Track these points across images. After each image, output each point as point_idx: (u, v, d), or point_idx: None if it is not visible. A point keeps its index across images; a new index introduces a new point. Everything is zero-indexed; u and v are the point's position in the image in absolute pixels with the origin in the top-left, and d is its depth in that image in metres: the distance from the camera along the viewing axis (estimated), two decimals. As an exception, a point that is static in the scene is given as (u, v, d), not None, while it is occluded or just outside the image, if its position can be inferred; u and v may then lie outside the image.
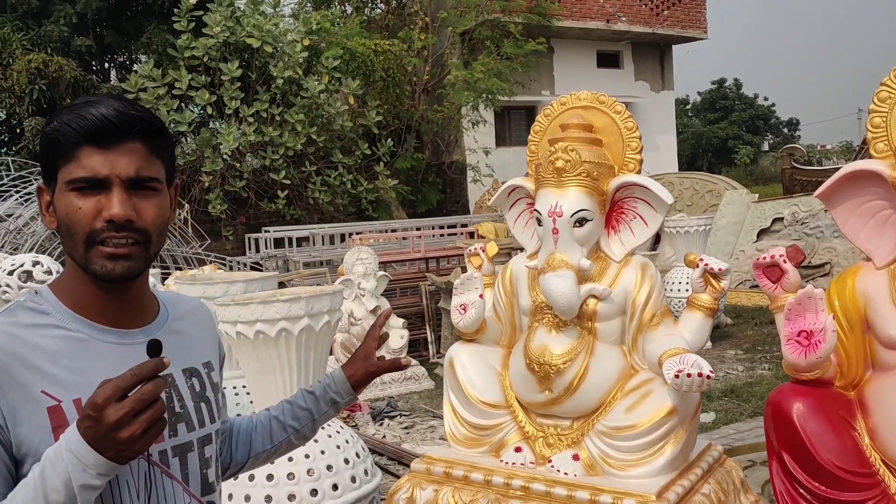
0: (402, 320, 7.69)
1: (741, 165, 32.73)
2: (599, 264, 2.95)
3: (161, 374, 1.09)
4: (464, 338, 3.15)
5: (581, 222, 2.86)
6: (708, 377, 2.46)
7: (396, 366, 1.64)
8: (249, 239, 12.40)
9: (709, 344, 8.29)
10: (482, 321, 3.04)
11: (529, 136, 3.23)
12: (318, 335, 3.18)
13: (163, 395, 1.10)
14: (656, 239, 12.16)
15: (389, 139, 15.10)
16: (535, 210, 2.95)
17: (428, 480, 2.97)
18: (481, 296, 2.98)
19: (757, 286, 11.84)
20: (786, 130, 40.73)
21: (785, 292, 2.52)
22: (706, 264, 2.85)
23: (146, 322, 1.33)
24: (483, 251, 3.45)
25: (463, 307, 3.02)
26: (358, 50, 15.04)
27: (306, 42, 13.91)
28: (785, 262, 2.53)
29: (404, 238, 11.54)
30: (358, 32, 15.76)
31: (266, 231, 11.95)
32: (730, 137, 36.50)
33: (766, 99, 40.06)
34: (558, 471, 2.78)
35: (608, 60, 20.41)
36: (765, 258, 2.57)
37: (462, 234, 11.99)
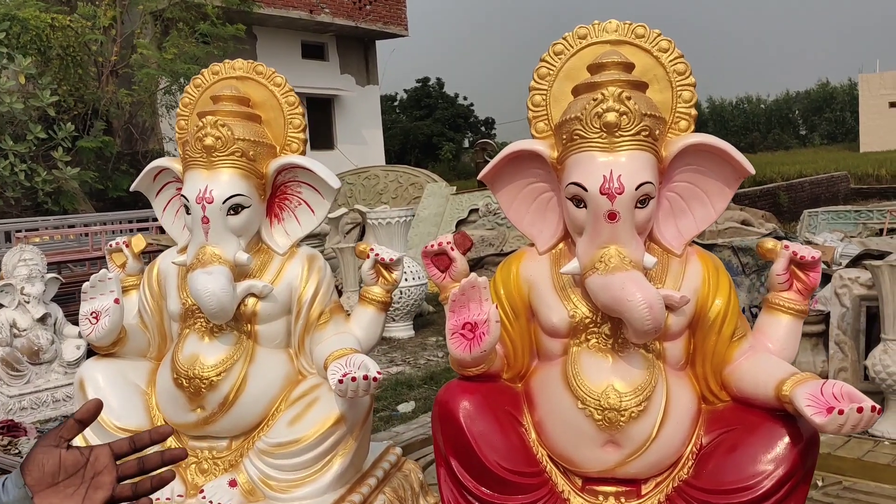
0: (78, 328, 6.70)
1: (445, 161, 34.39)
2: (261, 258, 2.58)
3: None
4: (99, 352, 2.60)
5: (236, 209, 2.46)
6: (374, 379, 2.21)
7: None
8: None
9: (411, 332, 8.39)
10: (121, 330, 2.52)
11: (178, 110, 2.76)
12: None
13: None
14: (362, 231, 12.15)
15: (70, 123, 13.37)
16: (181, 195, 2.50)
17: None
18: (117, 300, 2.45)
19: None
20: (483, 129, 43.53)
21: (454, 281, 2.36)
22: (377, 254, 2.61)
23: None
24: (127, 246, 2.91)
25: (94, 315, 2.47)
26: (31, 23, 13.12)
27: (-37, 12, 11.80)
28: (452, 249, 2.36)
29: (84, 235, 10.26)
30: (33, 4, 13.76)
31: None
32: (434, 134, 38.14)
33: (465, 98, 42.35)
34: (210, 501, 2.37)
35: (313, 52, 20.18)
36: (432, 246, 2.38)
37: (154, 229, 10.95)
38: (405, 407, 5.79)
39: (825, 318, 4.86)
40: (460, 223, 12.82)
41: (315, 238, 9.40)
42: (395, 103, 43.30)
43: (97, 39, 14.73)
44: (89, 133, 14.52)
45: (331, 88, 19.91)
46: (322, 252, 9.52)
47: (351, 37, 20.78)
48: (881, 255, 5.15)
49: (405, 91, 43.22)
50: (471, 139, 41.16)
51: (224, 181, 2.45)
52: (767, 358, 2.10)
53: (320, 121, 19.90)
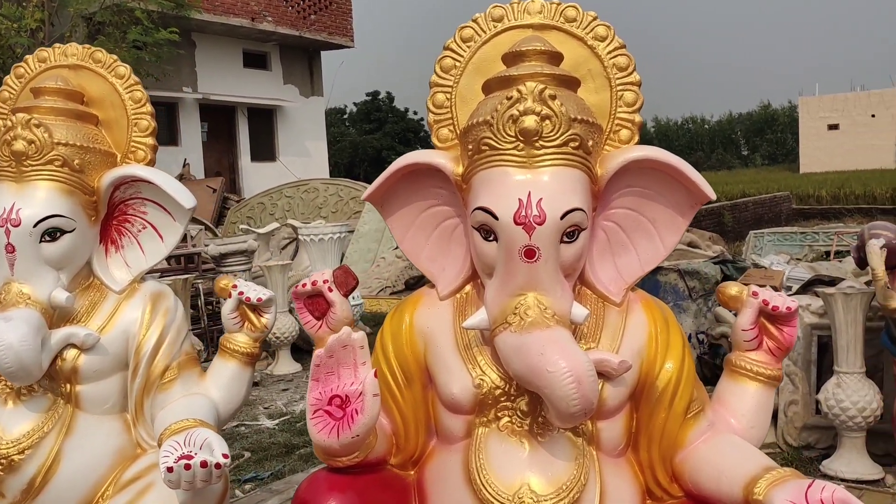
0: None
1: (394, 175, 34.03)
2: (90, 296, 2.01)
3: None
4: None
5: (53, 234, 1.90)
6: (218, 466, 1.66)
7: None
8: None
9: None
10: None
11: (-6, 107, 2.17)
12: None
13: None
14: (296, 248, 11.48)
15: (-12, 130, 12.50)
16: (-16, 216, 1.92)
17: None
18: None
19: (399, 292, 11.51)
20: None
21: (332, 331, 1.81)
22: (241, 293, 2.06)
23: None
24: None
25: None
26: (-49, 25, 12.25)
27: None
28: (330, 290, 1.82)
29: None
30: (-43, 5, 12.88)
31: None
32: (384, 148, 37.78)
33: (415, 113, 42.14)
34: None
35: (255, 61, 19.51)
36: (305, 285, 1.84)
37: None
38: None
39: (774, 347, 4.48)
40: (402, 240, 12.28)
41: (242, 255, 8.74)
42: (345, 116, 42.86)
43: (23, 43, 13.88)
44: (10, 140, 13.64)
45: (273, 99, 19.25)
46: (249, 270, 8.83)
47: (295, 46, 20.18)
48: (832, 282, 4.78)
49: (355, 104, 42.86)
50: (420, 154, 40.84)
51: (38, 198, 1.89)
52: (731, 442, 1.61)
53: (262, 132, 19.25)
